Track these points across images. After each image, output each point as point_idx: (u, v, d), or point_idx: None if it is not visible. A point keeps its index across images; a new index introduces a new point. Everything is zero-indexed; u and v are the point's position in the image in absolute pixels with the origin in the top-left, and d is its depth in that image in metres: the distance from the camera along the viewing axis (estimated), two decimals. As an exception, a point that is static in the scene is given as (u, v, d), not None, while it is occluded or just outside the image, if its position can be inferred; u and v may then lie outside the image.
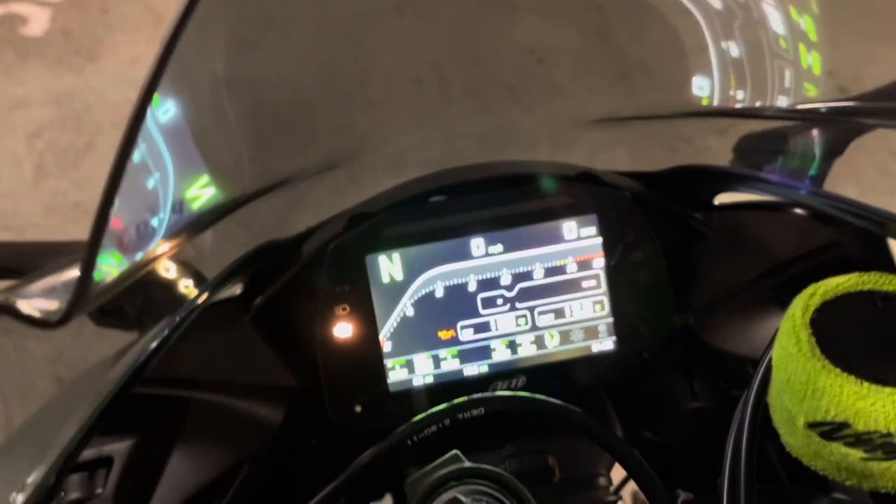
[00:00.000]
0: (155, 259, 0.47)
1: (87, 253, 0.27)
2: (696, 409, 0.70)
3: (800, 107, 0.67)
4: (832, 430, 0.40)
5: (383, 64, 1.02)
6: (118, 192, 0.29)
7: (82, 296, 0.27)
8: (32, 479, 0.35)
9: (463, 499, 0.43)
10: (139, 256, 0.45)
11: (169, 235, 0.52)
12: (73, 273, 0.33)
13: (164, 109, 0.54)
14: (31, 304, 0.27)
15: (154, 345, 0.47)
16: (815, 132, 0.70)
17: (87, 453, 0.61)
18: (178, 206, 0.58)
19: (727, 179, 0.66)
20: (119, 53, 2.79)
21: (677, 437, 0.73)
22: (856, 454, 0.40)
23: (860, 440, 0.39)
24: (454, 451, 0.48)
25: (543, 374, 0.68)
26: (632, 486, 0.93)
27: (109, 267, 0.39)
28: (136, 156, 0.53)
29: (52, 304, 0.29)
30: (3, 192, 2.54)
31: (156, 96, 0.38)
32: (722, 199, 0.70)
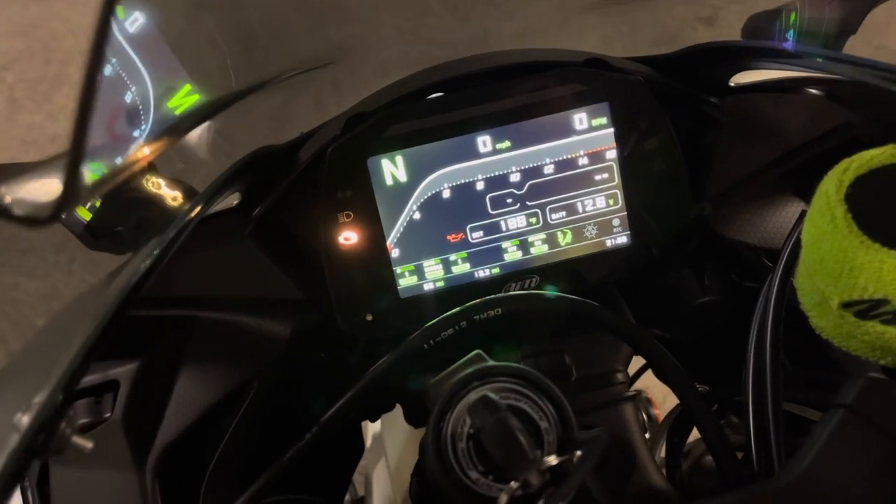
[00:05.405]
0: (138, 161, 0.45)
1: (74, 144, 0.25)
2: (706, 302, 0.69)
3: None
4: (869, 308, 0.39)
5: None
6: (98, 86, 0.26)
7: (72, 189, 0.25)
8: (38, 398, 0.33)
9: (493, 396, 0.41)
10: (119, 161, 0.43)
11: (150, 139, 0.50)
12: (57, 174, 0.30)
13: (132, 20, 0.53)
14: (18, 203, 0.25)
15: (150, 261, 0.44)
16: (827, 7, 0.66)
17: (92, 378, 0.60)
18: (161, 115, 0.55)
19: (745, 56, 0.63)
20: (83, -24, 2.67)
21: (688, 333, 0.72)
22: (892, 331, 0.39)
23: (898, 317, 0.38)
24: (477, 351, 0.46)
25: (557, 273, 0.66)
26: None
27: (91, 174, 0.37)
28: (108, 70, 0.52)
29: (37, 203, 0.26)
30: (-24, 128, 2.48)
31: (120, 8, 0.36)
32: (737, 80, 0.67)
